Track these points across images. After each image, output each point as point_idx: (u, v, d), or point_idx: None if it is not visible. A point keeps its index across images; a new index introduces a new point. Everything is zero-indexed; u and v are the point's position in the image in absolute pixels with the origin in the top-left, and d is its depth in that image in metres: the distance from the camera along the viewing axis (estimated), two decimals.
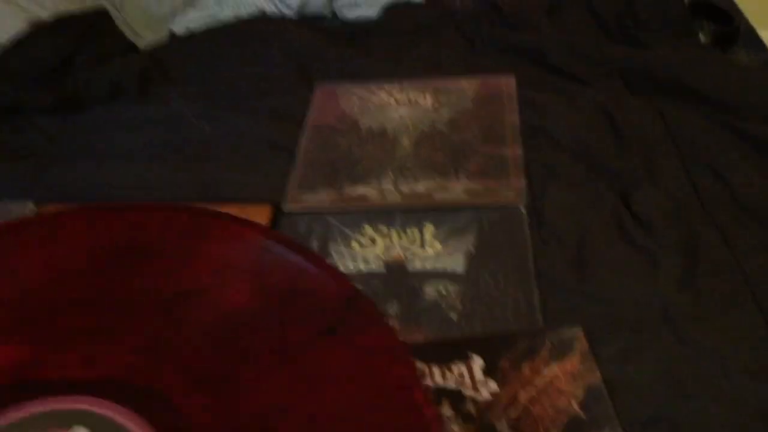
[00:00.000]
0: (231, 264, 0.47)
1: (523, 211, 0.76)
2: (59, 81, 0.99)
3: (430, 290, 0.68)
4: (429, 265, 0.70)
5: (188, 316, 0.44)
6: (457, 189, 0.80)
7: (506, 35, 1.05)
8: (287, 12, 1.16)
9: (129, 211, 0.51)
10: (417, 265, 0.70)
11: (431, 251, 0.72)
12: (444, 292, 0.67)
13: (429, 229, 0.75)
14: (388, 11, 1.15)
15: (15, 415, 0.39)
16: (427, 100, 0.96)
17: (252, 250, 0.48)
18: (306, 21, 1.14)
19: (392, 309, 0.64)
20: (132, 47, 1.10)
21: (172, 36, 1.13)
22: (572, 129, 0.87)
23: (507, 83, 0.96)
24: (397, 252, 0.72)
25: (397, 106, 0.95)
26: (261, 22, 1.13)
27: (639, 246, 0.71)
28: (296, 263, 0.47)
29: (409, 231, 0.74)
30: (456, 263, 0.70)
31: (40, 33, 1.01)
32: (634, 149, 0.84)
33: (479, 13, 1.11)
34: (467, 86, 0.97)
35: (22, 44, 1.00)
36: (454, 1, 1.14)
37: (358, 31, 1.12)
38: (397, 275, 0.69)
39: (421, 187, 0.81)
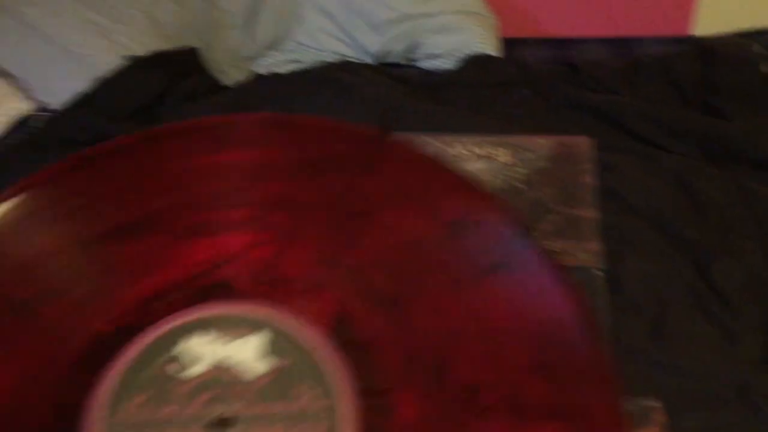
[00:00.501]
0: (406, 191, 0.48)
1: (601, 274, 0.77)
2: (149, 116, 1.04)
3: None
4: None
5: (364, 237, 0.46)
6: None
7: (583, 96, 1.06)
8: (367, 59, 1.20)
9: (316, 125, 0.53)
10: None
11: None
12: None
13: None
14: (467, 63, 1.17)
15: (209, 312, 0.42)
16: (503, 156, 0.97)
17: (427, 180, 0.49)
18: (385, 69, 1.18)
19: None
20: (218, 86, 1.15)
21: (257, 76, 1.18)
22: (649, 196, 0.88)
23: (583, 144, 0.97)
24: None
25: (474, 159, 0.97)
26: (342, 68, 1.16)
27: (717, 320, 0.71)
28: (468, 197, 0.48)
29: None
30: None
31: (134, 69, 1.06)
32: (711, 220, 0.84)
33: (556, 71, 1.13)
34: (544, 144, 0.99)
35: (116, 79, 1.06)
36: (531, 58, 1.17)
37: (435, 82, 1.15)
38: None
39: None
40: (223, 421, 0.39)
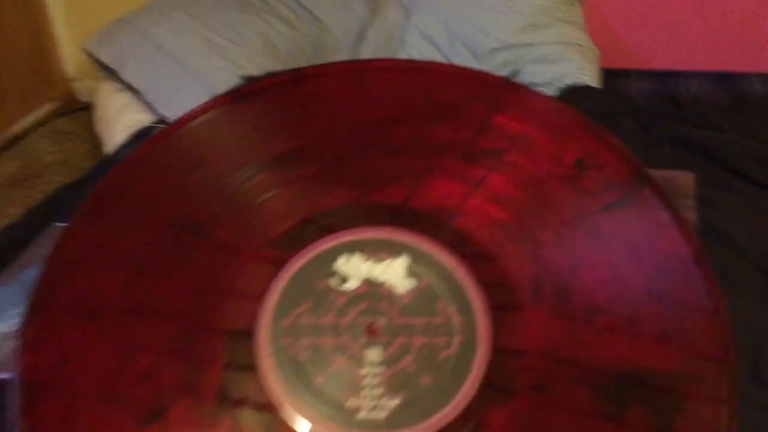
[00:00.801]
0: (525, 134, 0.51)
1: None
2: None
3: None
4: None
5: (494, 173, 0.49)
6: None
7: (686, 131, 1.06)
8: None
9: (448, 70, 0.56)
10: None
11: None
12: None
13: None
14: (567, 93, 1.19)
15: (343, 238, 0.47)
16: None
17: (552, 122, 0.52)
18: None
19: None
20: None
21: None
22: (751, 234, 0.87)
23: (686, 179, 0.97)
24: None
25: None
26: None
27: None
28: (589, 138, 0.51)
29: None
30: None
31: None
32: None
33: (659, 104, 1.13)
34: None
35: None
36: (633, 90, 1.17)
37: None
38: None
39: None
40: (373, 330, 0.44)
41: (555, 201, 0.48)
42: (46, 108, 1.49)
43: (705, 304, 0.45)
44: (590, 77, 1.23)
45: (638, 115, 1.12)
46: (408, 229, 0.47)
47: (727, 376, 0.43)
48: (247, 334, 0.43)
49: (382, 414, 0.41)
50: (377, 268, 0.46)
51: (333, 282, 0.45)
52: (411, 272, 0.46)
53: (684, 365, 0.43)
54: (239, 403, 0.41)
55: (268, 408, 0.41)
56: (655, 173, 0.98)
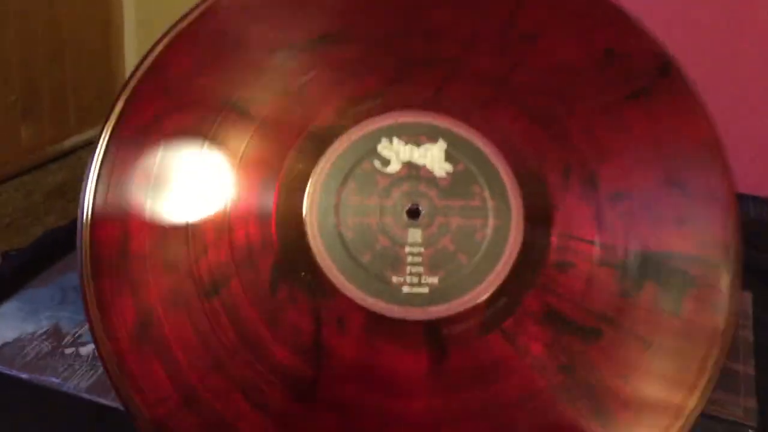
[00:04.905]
0: (562, 17, 0.53)
1: None
2: None
3: None
4: None
5: (524, 58, 0.51)
6: None
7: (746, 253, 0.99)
8: None
9: None
10: None
11: None
12: None
13: None
14: None
15: (384, 122, 0.49)
16: None
17: (585, 9, 0.53)
18: None
19: None
20: None
21: None
22: None
23: (744, 299, 0.91)
24: None
25: None
26: None
27: None
28: (618, 25, 0.53)
29: None
30: None
31: None
32: None
33: None
34: None
35: None
36: None
37: None
38: None
39: None
40: (414, 212, 0.48)
41: (584, 88, 0.51)
42: (101, 128, 1.45)
43: (720, 193, 0.49)
44: None
45: None
46: (445, 114, 0.50)
47: (734, 263, 0.48)
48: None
49: (424, 290, 0.46)
50: (417, 152, 0.49)
51: (376, 164, 0.48)
52: (448, 156, 0.49)
53: (697, 249, 0.48)
54: (292, 277, 0.45)
55: (320, 282, 0.45)
56: None
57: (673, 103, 0.51)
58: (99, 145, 0.47)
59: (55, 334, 0.66)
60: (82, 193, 0.46)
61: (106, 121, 0.48)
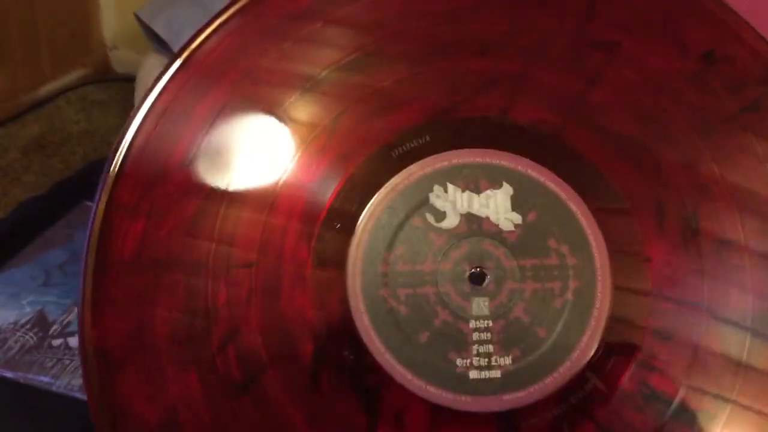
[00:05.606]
0: (652, 18, 0.43)
1: None
2: None
3: None
4: None
5: (603, 72, 0.42)
6: None
7: None
8: None
9: None
10: None
11: None
12: None
13: None
14: None
15: (436, 164, 0.41)
16: None
17: (674, 7, 0.43)
18: None
19: None
20: None
21: None
22: None
23: None
24: None
25: None
26: None
27: None
28: (720, 24, 0.42)
29: None
30: None
31: None
32: None
33: None
34: None
35: None
36: None
37: None
38: None
39: None
40: (478, 277, 0.39)
41: (680, 105, 0.41)
42: (78, 74, 1.37)
43: None
44: None
45: None
46: (508, 149, 0.41)
47: None
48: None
49: (496, 373, 0.38)
50: (477, 201, 0.40)
51: (429, 219, 0.40)
52: (516, 204, 0.40)
53: None
54: (338, 365, 0.38)
55: (372, 370, 0.38)
56: None
57: None
58: None
59: (40, 322, 0.58)
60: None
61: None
